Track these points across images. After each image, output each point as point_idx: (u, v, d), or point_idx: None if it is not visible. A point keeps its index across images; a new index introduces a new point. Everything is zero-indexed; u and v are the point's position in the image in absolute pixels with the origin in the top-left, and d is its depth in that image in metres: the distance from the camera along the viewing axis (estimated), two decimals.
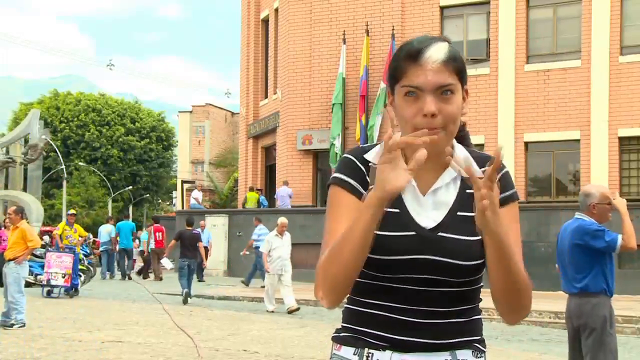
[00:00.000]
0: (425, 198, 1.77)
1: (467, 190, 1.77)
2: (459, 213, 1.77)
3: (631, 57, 20.63)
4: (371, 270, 1.75)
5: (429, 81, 1.70)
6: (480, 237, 1.73)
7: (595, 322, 5.28)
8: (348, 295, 1.86)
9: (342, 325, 1.86)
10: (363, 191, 1.77)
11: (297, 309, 13.49)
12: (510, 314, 1.80)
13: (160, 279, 22.62)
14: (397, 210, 1.75)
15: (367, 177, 1.79)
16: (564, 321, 13.42)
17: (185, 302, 15.10)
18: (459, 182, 1.80)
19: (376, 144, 1.85)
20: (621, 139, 20.64)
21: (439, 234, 1.74)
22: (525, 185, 21.74)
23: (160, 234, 23.48)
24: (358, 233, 1.64)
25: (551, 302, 15.14)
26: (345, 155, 1.86)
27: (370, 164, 1.80)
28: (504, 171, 1.83)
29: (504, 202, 1.78)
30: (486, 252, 1.69)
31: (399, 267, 1.73)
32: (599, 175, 20.30)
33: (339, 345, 1.84)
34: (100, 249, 24.30)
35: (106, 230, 24.11)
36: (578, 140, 21.03)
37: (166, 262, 21.37)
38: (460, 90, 1.76)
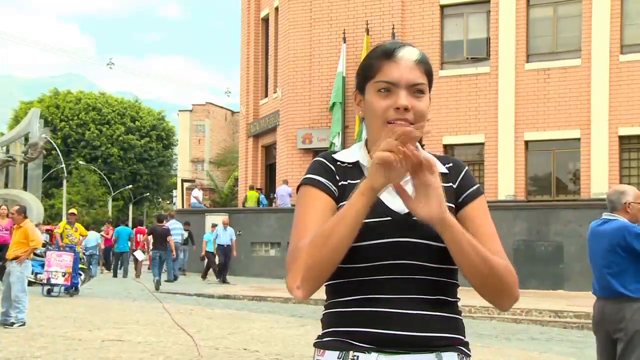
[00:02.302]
0: None
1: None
2: None
3: (631, 56, 20.62)
4: (351, 263, 1.76)
5: (403, 77, 1.79)
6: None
7: (635, 326, 5.06)
8: (328, 301, 1.87)
9: (324, 332, 1.85)
10: (334, 188, 1.83)
11: None
12: (498, 299, 1.79)
13: (138, 276, 23.06)
14: None
15: (336, 176, 1.85)
16: (563, 320, 13.46)
17: (157, 288, 17.74)
18: None
19: (343, 149, 1.94)
20: (621, 137, 20.63)
21: (414, 217, 1.77)
22: (525, 184, 21.74)
23: (142, 235, 24.73)
24: (350, 219, 1.66)
25: (551, 301, 15.16)
26: (315, 159, 1.91)
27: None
28: (465, 170, 1.91)
29: (472, 197, 1.86)
30: (448, 247, 1.71)
31: (378, 253, 1.75)
32: (600, 174, 20.31)
33: (322, 350, 1.82)
34: (86, 253, 24.29)
35: (93, 237, 24.66)
36: (578, 139, 21.03)
37: (139, 254, 22.09)
38: (429, 93, 1.84)
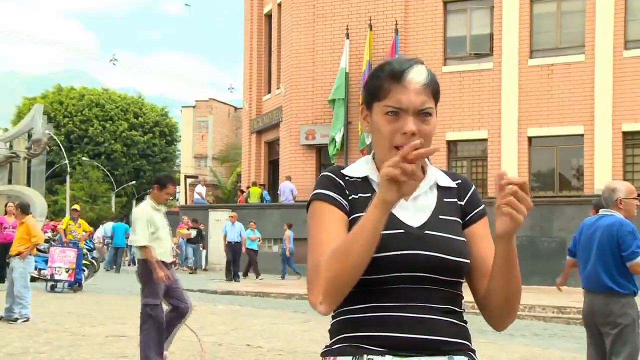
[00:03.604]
0: (407, 203, 1.84)
1: (445, 199, 1.89)
2: (440, 216, 1.86)
3: (635, 51, 20.56)
4: (363, 274, 1.76)
5: (412, 103, 1.79)
6: (464, 239, 1.85)
7: (624, 321, 5.17)
8: (337, 310, 1.86)
9: (334, 339, 1.85)
10: (345, 202, 1.84)
11: None
12: (506, 318, 1.86)
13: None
14: None
15: (346, 190, 1.86)
16: (566, 316, 13.44)
17: None
18: (435, 191, 1.90)
19: (347, 165, 1.95)
20: (625, 133, 20.60)
21: (426, 231, 1.81)
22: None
23: None
24: (368, 231, 1.67)
25: (554, 297, 15.13)
26: (322, 174, 1.92)
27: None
28: (472, 188, 1.95)
29: (479, 217, 1.91)
30: (497, 261, 1.75)
31: (391, 265, 1.76)
32: (603, 170, 20.26)
33: (332, 357, 1.82)
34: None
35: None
36: (582, 135, 20.99)
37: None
38: (435, 112, 1.85)
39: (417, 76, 1.80)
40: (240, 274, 20.79)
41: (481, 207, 1.93)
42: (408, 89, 1.79)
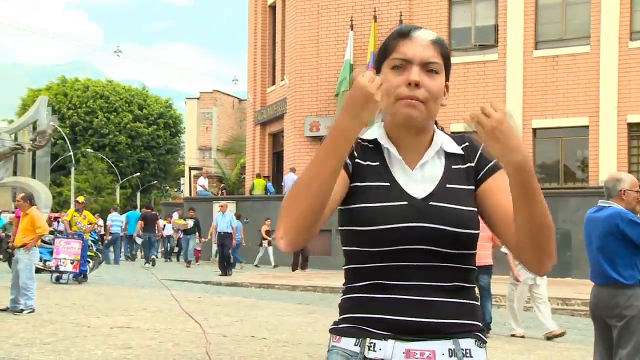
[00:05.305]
0: (414, 172, 1.82)
1: (453, 166, 1.84)
2: (448, 185, 1.81)
3: None
4: (367, 247, 1.76)
5: (417, 53, 1.77)
6: (473, 208, 1.79)
7: (630, 313, 5.11)
8: (345, 285, 1.85)
9: (340, 318, 1.84)
10: (349, 162, 1.82)
11: (562, 334, 9.54)
12: (541, 259, 1.71)
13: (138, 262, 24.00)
14: (387, 184, 1.79)
15: (355, 152, 1.83)
16: (571, 307, 13.42)
17: (153, 264, 21.71)
18: (443, 158, 1.85)
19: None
20: (630, 125, 20.53)
21: (431, 203, 1.77)
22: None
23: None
24: (319, 159, 1.64)
25: (559, 289, 15.13)
26: None
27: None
28: (482, 146, 1.81)
29: (490, 172, 1.83)
30: (513, 193, 1.64)
31: (394, 238, 1.74)
32: (608, 161, 20.22)
33: (338, 336, 1.82)
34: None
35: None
36: (587, 127, 20.93)
37: (137, 239, 23.31)
38: (444, 76, 1.81)
39: (424, 33, 1.81)
40: (240, 265, 20.77)
41: (492, 162, 1.83)
42: (415, 42, 1.79)
